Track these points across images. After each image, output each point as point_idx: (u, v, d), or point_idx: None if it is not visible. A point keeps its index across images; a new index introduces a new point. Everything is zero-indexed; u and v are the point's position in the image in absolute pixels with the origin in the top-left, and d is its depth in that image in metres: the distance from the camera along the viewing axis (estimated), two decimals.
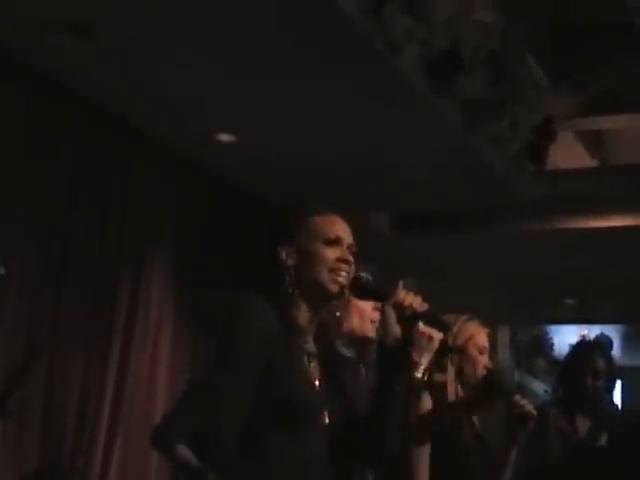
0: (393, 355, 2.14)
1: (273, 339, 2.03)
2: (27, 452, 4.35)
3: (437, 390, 3.02)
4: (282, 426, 2.00)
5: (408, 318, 2.14)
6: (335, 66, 4.19)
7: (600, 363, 3.98)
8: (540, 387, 9.25)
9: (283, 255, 2.13)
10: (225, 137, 5.05)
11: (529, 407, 3.06)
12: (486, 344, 3.20)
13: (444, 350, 2.45)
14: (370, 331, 2.66)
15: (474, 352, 3.15)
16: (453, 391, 3.07)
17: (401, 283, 2.16)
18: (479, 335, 3.19)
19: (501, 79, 4.88)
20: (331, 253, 2.13)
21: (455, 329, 3.12)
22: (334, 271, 2.12)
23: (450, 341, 3.00)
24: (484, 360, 3.17)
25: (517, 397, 3.07)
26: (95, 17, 3.86)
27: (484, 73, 4.76)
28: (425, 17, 4.20)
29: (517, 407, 3.06)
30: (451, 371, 3.06)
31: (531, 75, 5.17)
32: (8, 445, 4.21)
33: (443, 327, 2.35)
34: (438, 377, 2.99)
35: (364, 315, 2.66)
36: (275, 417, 2.00)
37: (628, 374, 10.31)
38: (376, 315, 2.60)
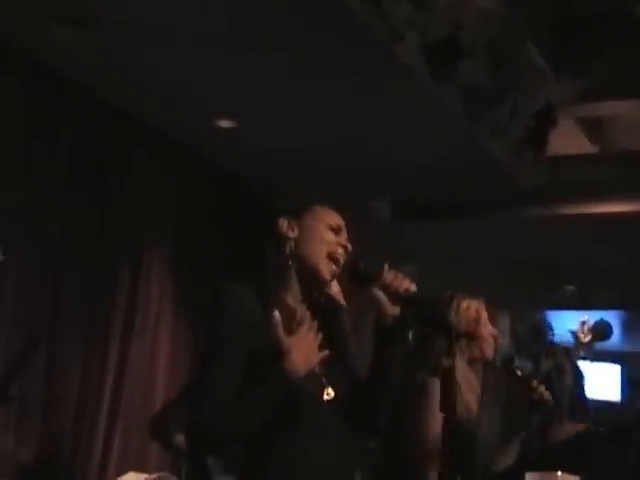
0: (392, 333, 2.17)
1: (253, 325, 2.04)
2: (27, 444, 4.35)
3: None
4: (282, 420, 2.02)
5: (405, 298, 2.15)
6: (336, 54, 4.18)
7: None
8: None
9: (284, 226, 2.16)
10: (225, 124, 5.04)
11: (546, 394, 3.06)
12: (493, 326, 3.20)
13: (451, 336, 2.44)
14: None
15: (486, 335, 3.15)
16: (462, 377, 3.04)
17: (386, 266, 2.16)
18: (484, 318, 3.18)
19: (502, 66, 4.87)
20: (332, 237, 2.17)
21: (458, 313, 3.11)
22: (332, 256, 2.15)
23: (455, 325, 2.98)
24: (491, 343, 3.16)
25: (534, 383, 3.07)
26: (94, 7, 3.85)
27: (484, 60, 4.75)
28: (425, 4, 4.18)
29: (535, 393, 3.05)
30: (460, 357, 3.01)
31: (532, 62, 5.16)
32: (8, 437, 4.22)
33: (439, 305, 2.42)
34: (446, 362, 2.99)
35: None
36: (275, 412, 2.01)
37: (628, 360, 10.33)
38: None
